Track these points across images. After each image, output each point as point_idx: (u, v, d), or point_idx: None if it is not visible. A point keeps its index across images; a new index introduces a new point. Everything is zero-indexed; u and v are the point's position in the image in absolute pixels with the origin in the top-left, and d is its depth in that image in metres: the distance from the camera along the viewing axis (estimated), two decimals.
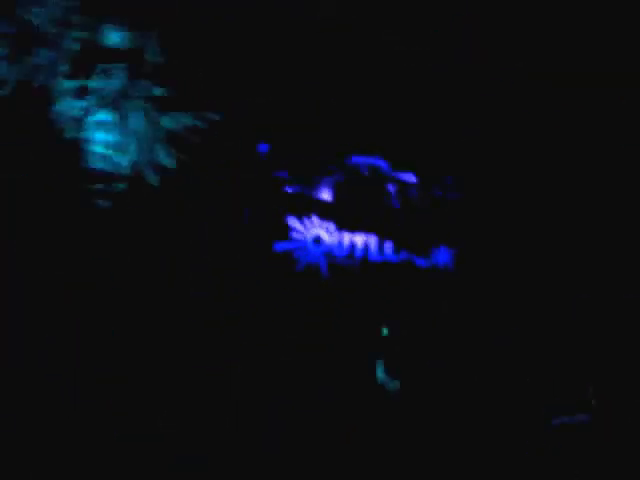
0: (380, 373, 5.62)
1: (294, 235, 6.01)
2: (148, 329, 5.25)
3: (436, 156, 6.09)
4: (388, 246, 6.05)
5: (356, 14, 5.96)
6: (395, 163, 6.11)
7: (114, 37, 5.48)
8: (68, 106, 5.31)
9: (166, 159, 5.65)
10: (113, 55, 5.46)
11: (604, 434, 5.37)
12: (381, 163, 6.11)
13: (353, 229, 6.04)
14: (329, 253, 6.00)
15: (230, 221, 5.89)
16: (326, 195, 6.08)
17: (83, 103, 5.38)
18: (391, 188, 6.10)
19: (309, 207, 6.04)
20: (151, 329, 5.26)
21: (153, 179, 5.58)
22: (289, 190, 6.02)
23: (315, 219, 6.04)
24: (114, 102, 5.52)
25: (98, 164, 5.38)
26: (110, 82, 5.50)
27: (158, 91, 5.65)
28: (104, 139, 5.47)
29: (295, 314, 5.78)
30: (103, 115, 5.49)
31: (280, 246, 5.98)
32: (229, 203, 5.91)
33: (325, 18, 6.04)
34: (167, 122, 5.70)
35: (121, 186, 5.46)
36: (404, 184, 6.10)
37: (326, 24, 6.03)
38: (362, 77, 6.03)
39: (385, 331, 5.76)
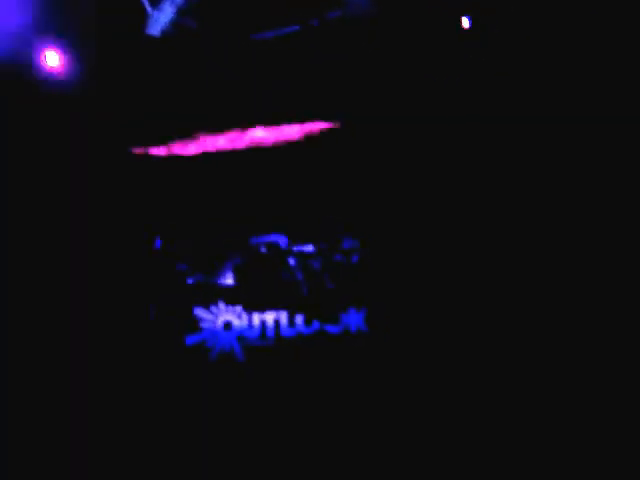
0: None
1: (204, 325, 6.06)
2: None
3: (330, 223, 6.11)
4: (299, 319, 6.08)
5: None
6: (292, 237, 6.14)
7: None
8: None
9: None
10: None
11: None
12: (278, 239, 6.14)
13: (262, 308, 6.08)
14: (241, 336, 6.05)
15: (137, 320, 5.98)
16: (229, 280, 6.13)
17: None
18: (292, 261, 6.13)
19: (214, 294, 6.10)
20: None
21: None
22: (190, 281, 6.08)
23: (222, 305, 6.09)
24: None
25: None
26: None
27: None
28: None
29: (215, 402, 5.87)
30: None
31: (191, 339, 6.05)
32: (133, 302, 5.99)
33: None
34: None
35: None
36: (304, 255, 6.13)
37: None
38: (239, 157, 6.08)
39: None
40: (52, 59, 5.53)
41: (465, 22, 5.59)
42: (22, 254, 5.85)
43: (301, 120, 6.04)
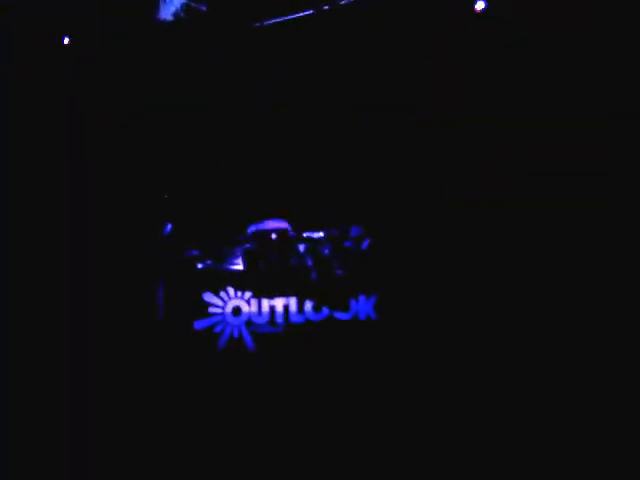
0: None
1: (213, 310, 6.06)
2: None
3: (339, 209, 6.10)
4: (308, 305, 6.06)
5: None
6: (302, 223, 6.14)
7: None
8: None
9: None
10: None
11: None
12: (288, 225, 6.14)
13: (271, 294, 6.07)
14: (250, 322, 6.04)
15: (147, 304, 5.99)
16: (239, 265, 6.13)
17: None
18: (301, 248, 6.12)
19: (223, 280, 6.09)
20: None
21: None
22: (200, 267, 6.09)
23: (231, 291, 6.09)
24: None
25: None
26: None
27: None
28: None
29: (223, 386, 5.84)
30: None
31: (200, 324, 6.04)
32: (143, 287, 6.00)
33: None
34: None
35: None
36: (313, 241, 6.12)
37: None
38: (251, 145, 6.10)
39: None
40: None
41: (480, 4, 5.55)
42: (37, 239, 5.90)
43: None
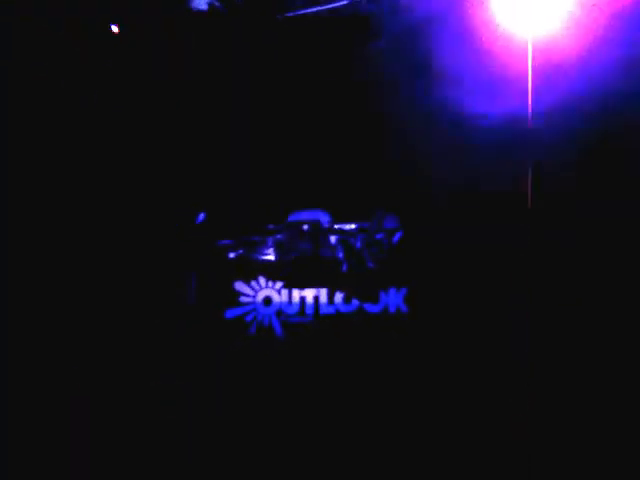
0: None
1: (244, 299, 6.11)
2: None
3: (372, 202, 6.07)
4: (338, 297, 6.07)
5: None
6: (334, 214, 6.12)
7: None
8: None
9: None
10: None
11: None
12: (320, 216, 6.13)
13: (301, 285, 6.09)
14: (280, 311, 6.07)
15: (179, 292, 6.05)
16: (270, 255, 6.15)
17: None
18: (333, 239, 6.11)
19: (255, 270, 6.13)
20: None
21: None
22: (232, 256, 6.13)
23: (262, 280, 6.12)
24: None
25: None
26: None
27: None
28: None
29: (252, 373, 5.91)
30: None
31: (231, 312, 6.09)
32: (176, 275, 6.07)
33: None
34: None
35: None
36: (345, 232, 6.11)
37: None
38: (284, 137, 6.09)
39: None
40: None
41: None
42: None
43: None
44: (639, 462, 5.31)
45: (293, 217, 6.12)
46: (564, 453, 5.46)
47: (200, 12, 5.43)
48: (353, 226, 6.13)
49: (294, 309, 6.08)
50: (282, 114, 6.15)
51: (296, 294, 6.09)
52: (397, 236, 6.07)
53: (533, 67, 5.53)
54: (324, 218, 6.13)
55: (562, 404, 5.60)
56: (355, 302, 6.06)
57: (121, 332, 5.90)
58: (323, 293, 6.09)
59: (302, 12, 5.45)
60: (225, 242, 6.13)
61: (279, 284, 6.11)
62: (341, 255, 6.10)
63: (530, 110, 5.59)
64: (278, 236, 6.13)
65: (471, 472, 5.49)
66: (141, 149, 5.94)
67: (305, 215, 6.10)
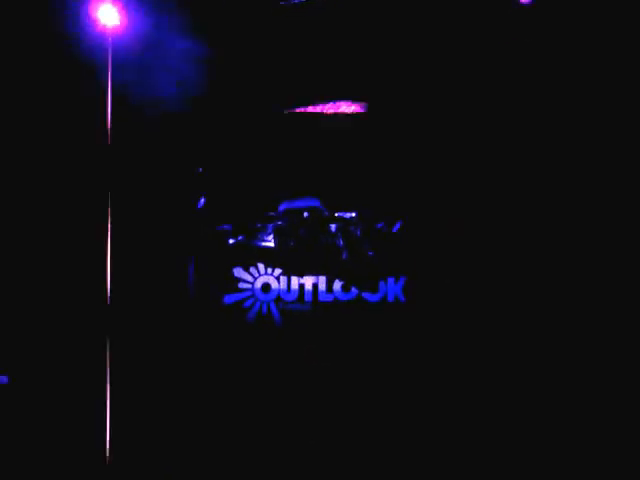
0: None
1: (242, 285, 6.10)
2: None
3: (373, 190, 6.10)
4: (337, 285, 6.10)
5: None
6: (334, 202, 6.13)
7: None
8: None
9: None
10: None
11: None
12: (320, 204, 6.13)
13: (301, 272, 6.10)
14: (279, 298, 6.08)
15: (178, 277, 6.02)
16: (270, 242, 6.14)
17: None
18: (333, 227, 6.13)
19: (254, 256, 6.12)
20: None
21: None
22: (231, 242, 6.11)
23: (261, 267, 6.12)
24: None
25: None
26: None
27: None
28: None
29: (250, 360, 5.93)
30: None
31: (230, 298, 6.09)
32: (175, 260, 6.03)
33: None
34: None
35: None
36: (345, 221, 6.12)
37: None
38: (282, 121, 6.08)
39: None
40: None
41: None
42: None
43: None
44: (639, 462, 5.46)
45: (283, 206, 6.10)
46: (564, 453, 5.60)
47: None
48: (353, 214, 6.15)
49: (293, 296, 6.09)
50: (283, 103, 6.15)
51: (295, 281, 6.10)
52: (397, 225, 6.11)
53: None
54: (325, 206, 6.14)
55: (562, 402, 5.73)
56: (354, 290, 6.10)
57: (121, 314, 5.83)
58: (322, 281, 6.11)
59: None
60: (225, 227, 6.10)
61: (278, 271, 6.11)
62: (341, 243, 6.12)
63: None
64: (278, 223, 6.13)
65: (470, 463, 5.61)
66: (138, 136, 5.88)
67: (297, 204, 6.09)
